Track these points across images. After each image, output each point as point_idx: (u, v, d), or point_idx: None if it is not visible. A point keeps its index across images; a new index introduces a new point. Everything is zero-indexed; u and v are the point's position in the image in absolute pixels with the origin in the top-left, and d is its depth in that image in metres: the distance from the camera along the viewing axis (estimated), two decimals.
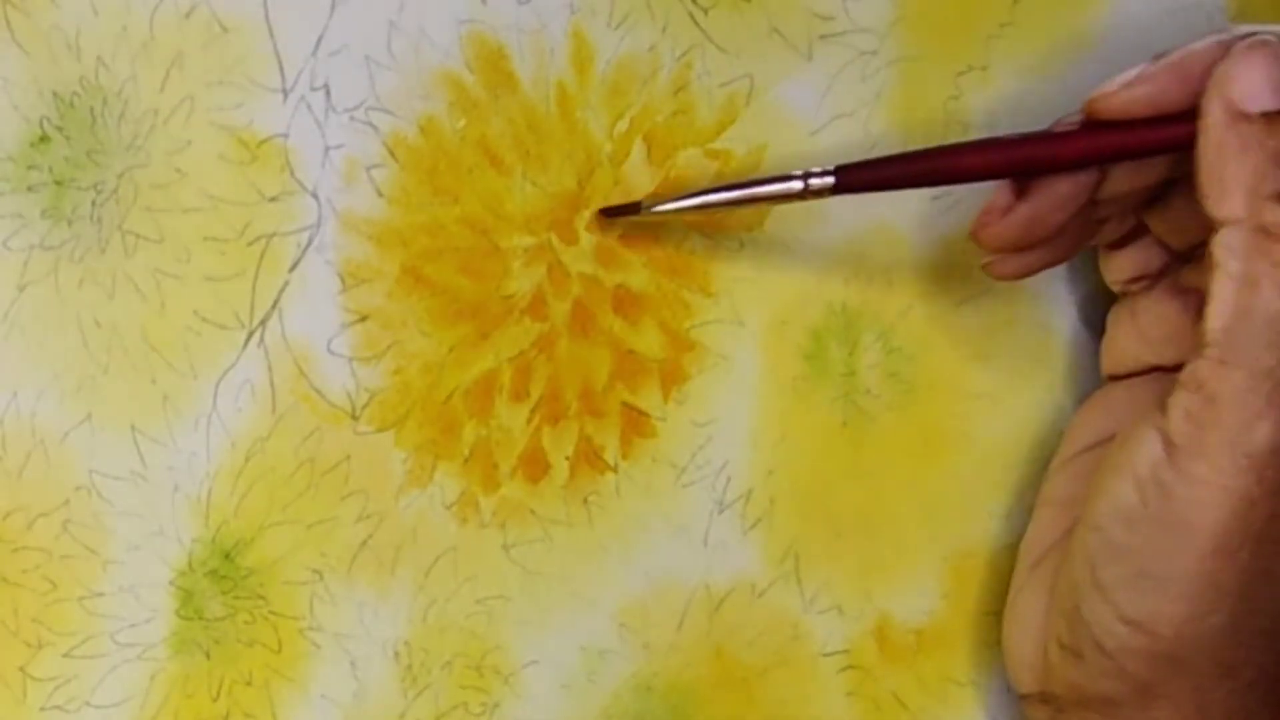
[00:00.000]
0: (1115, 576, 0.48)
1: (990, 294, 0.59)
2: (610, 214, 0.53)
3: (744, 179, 0.52)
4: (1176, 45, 0.49)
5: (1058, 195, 0.50)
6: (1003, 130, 0.58)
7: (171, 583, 0.50)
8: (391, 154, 0.51)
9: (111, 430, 0.49)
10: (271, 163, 0.50)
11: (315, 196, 0.50)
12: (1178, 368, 0.48)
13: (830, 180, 0.50)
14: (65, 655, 0.49)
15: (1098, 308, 0.60)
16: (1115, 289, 0.55)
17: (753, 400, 0.56)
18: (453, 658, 0.53)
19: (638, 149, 0.54)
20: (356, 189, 0.51)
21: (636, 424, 0.55)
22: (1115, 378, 0.56)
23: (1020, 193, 0.50)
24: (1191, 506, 0.46)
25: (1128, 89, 0.48)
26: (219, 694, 0.51)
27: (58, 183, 0.48)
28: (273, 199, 0.50)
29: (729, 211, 0.54)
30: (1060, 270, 0.59)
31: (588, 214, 0.54)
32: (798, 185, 0.51)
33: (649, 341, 0.55)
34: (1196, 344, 0.47)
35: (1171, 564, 0.46)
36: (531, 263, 0.53)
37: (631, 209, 0.53)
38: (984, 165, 0.50)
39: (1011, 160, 0.50)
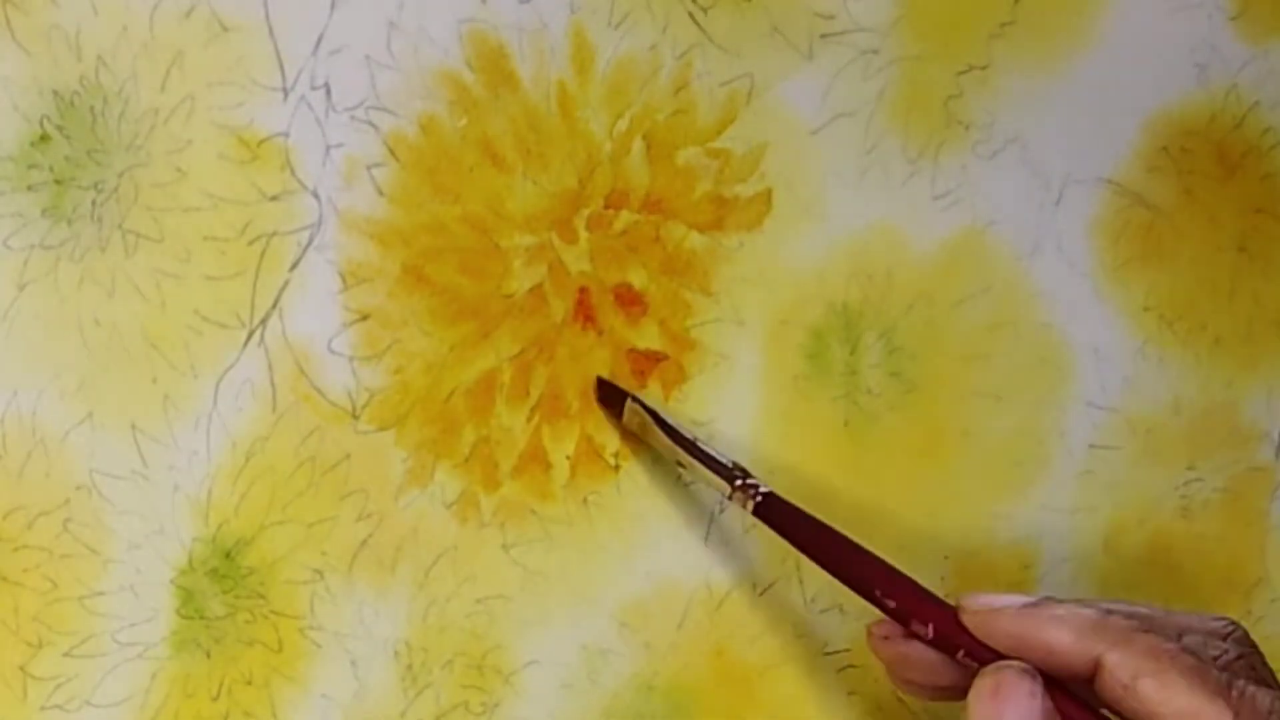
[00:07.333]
0: None
1: (990, 294, 0.59)
2: (604, 387, 0.54)
3: (702, 449, 0.53)
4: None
5: (927, 662, 0.49)
6: (1002, 130, 0.58)
7: (172, 582, 0.50)
8: (392, 153, 0.51)
9: (112, 429, 0.49)
10: (272, 162, 0.50)
11: (316, 195, 0.50)
12: None
13: (754, 502, 0.51)
14: (66, 654, 0.49)
15: (1099, 308, 0.60)
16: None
17: (754, 399, 0.56)
18: (453, 657, 0.53)
19: (638, 148, 0.54)
20: (357, 188, 0.51)
21: None
22: None
23: (908, 633, 0.50)
24: None
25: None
26: (219, 693, 0.51)
27: (58, 182, 0.48)
28: (273, 198, 0.50)
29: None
30: (1060, 270, 0.59)
31: (588, 213, 0.54)
32: (727, 488, 0.52)
33: (649, 341, 0.55)
34: None
35: None
36: (532, 262, 0.53)
37: (619, 396, 0.54)
38: (881, 591, 0.49)
39: (903, 605, 0.49)
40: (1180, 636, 0.46)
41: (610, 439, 0.55)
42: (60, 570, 0.49)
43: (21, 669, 0.49)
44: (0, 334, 0.48)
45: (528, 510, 0.54)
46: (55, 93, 0.48)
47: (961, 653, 0.48)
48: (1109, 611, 0.47)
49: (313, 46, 0.50)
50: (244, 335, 0.50)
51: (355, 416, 0.52)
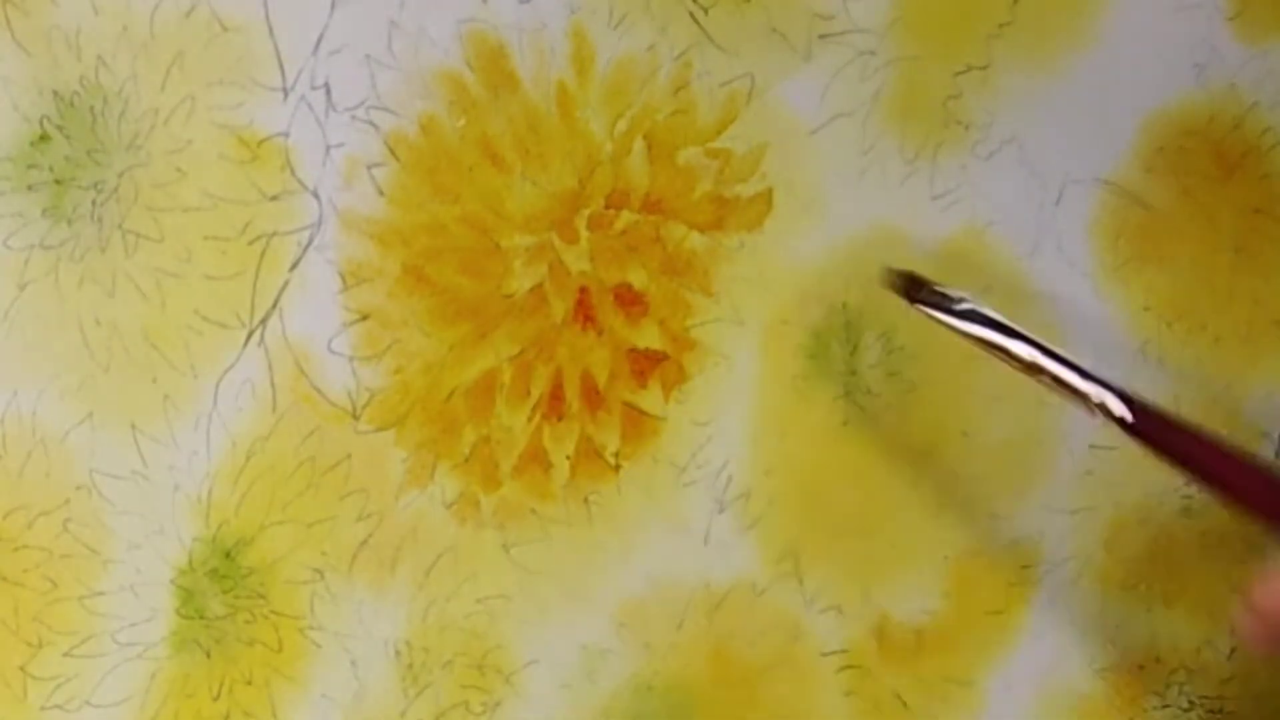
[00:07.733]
0: None
1: (991, 294, 0.59)
2: (899, 279, 0.53)
3: (1055, 350, 0.51)
4: None
5: None
6: (1000, 130, 0.58)
7: (172, 582, 0.50)
8: (392, 153, 0.51)
9: (112, 429, 0.49)
10: (272, 162, 0.50)
11: (316, 195, 0.50)
12: None
13: (1125, 414, 0.49)
14: (66, 654, 0.49)
15: (1099, 308, 0.60)
16: None
17: (753, 400, 0.56)
18: (453, 657, 0.53)
19: (638, 148, 0.54)
20: (357, 188, 0.51)
21: (637, 423, 0.55)
22: None
23: None
24: None
25: None
26: (219, 693, 0.51)
27: (58, 182, 0.48)
28: (273, 198, 0.50)
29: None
30: (1060, 270, 0.59)
31: (588, 213, 0.54)
32: (1094, 397, 0.50)
33: (649, 341, 0.55)
34: None
35: None
36: (532, 262, 0.53)
37: (914, 286, 0.53)
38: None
39: None
40: None
41: (610, 439, 0.55)
42: (60, 570, 0.49)
43: (21, 669, 0.49)
44: (0, 334, 0.48)
45: (528, 510, 0.54)
46: (55, 93, 0.48)
47: None
48: None
49: (313, 46, 0.50)
50: (244, 335, 0.50)
51: (355, 416, 0.52)
